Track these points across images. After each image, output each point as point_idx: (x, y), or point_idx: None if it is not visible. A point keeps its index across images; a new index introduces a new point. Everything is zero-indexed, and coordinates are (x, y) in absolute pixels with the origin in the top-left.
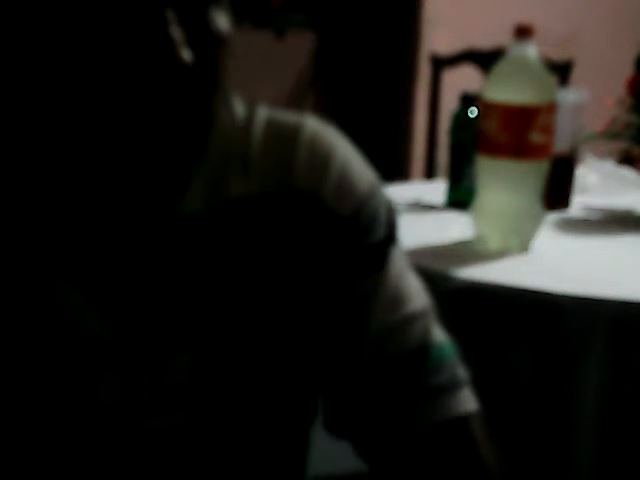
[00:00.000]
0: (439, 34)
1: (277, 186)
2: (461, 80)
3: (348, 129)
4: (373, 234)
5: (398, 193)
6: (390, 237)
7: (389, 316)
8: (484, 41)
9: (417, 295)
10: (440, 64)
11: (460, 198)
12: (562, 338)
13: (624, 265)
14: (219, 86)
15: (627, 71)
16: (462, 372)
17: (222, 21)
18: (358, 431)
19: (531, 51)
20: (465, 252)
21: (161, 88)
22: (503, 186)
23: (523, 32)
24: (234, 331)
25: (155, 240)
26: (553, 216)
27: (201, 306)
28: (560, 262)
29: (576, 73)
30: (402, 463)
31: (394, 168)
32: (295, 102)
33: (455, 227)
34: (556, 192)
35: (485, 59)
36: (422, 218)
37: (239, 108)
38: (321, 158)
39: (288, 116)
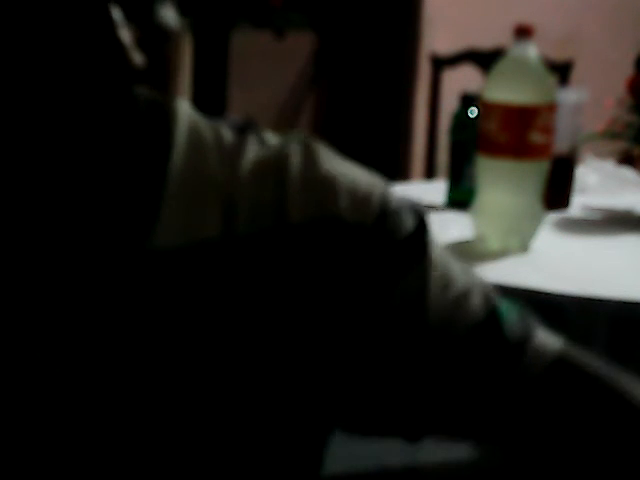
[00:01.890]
0: (439, 34)
1: (274, 224)
2: (461, 80)
3: (348, 129)
4: (403, 227)
5: (398, 193)
6: (421, 225)
7: (444, 301)
8: (484, 41)
9: (462, 270)
10: (440, 64)
11: (460, 198)
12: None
13: (624, 265)
14: (171, 89)
15: (627, 71)
16: (531, 319)
17: (170, 17)
18: (449, 420)
19: (531, 51)
20: (465, 252)
21: (113, 100)
22: (503, 186)
23: (523, 32)
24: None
25: (120, 273)
26: (553, 216)
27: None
28: (560, 262)
29: (576, 73)
30: (525, 424)
31: (394, 168)
32: (295, 102)
33: (455, 227)
34: (556, 192)
35: (485, 59)
36: None
37: (227, 134)
38: (321, 184)
39: (275, 146)
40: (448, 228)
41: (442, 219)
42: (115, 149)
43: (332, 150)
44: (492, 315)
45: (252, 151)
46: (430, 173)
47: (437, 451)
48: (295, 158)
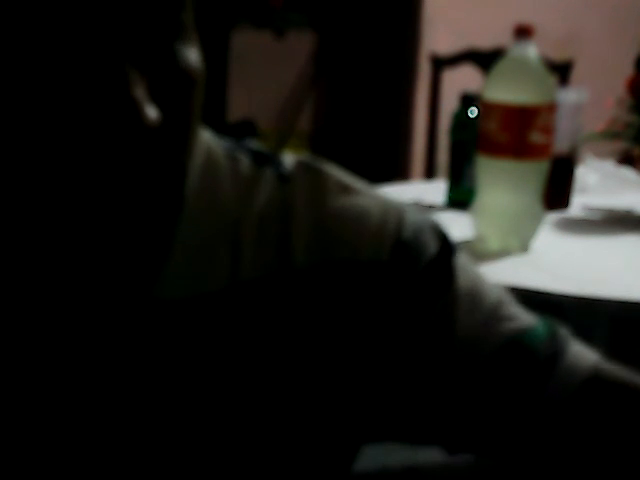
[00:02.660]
0: (439, 34)
1: (278, 268)
2: (461, 80)
3: (348, 129)
4: (424, 255)
5: (398, 193)
6: (444, 247)
7: (472, 322)
8: (484, 41)
9: (490, 289)
10: (440, 64)
11: (460, 198)
12: None
13: (624, 265)
14: (191, 144)
15: (627, 71)
16: (563, 333)
17: (192, 56)
18: (478, 437)
19: (531, 51)
20: (465, 252)
21: (125, 157)
22: (503, 186)
23: (523, 32)
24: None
25: (127, 323)
26: (553, 216)
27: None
28: (560, 262)
29: (576, 73)
30: (553, 444)
31: (394, 168)
32: (295, 102)
33: (455, 227)
34: (556, 192)
35: (485, 59)
36: None
37: (245, 164)
38: (329, 226)
39: (285, 183)
40: (448, 228)
41: (442, 219)
42: (126, 201)
43: (340, 170)
44: (521, 334)
45: (267, 190)
46: (430, 173)
47: (437, 451)
48: (301, 197)
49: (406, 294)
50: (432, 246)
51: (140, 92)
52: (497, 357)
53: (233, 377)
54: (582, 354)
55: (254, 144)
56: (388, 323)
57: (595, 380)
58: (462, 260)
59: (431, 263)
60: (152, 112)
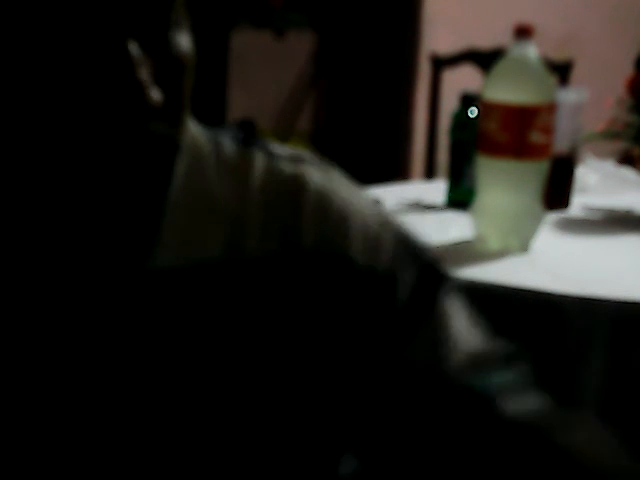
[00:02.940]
0: (439, 34)
1: (283, 248)
2: (461, 80)
3: (348, 129)
4: (409, 278)
5: (398, 193)
6: (432, 272)
7: (429, 357)
8: (484, 41)
9: (467, 329)
10: (440, 64)
11: (460, 198)
12: (562, 338)
13: (624, 265)
14: (184, 121)
15: (627, 71)
16: (524, 379)
17: (183, 42)
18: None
19: (531, 51)
20: (465, 252)
21: (133, 136)
22: (503, 186)
23: (523, 32)
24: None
25: (120, 292)
26: (553, 216)
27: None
28: (560, 262)
29: (576, 73)
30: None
31: (394, 168)
32: (295, 102)
33: (455, 227)
34: (556, 192)
35: (485, 59)
36: (422, 218)
37: (229, 147)
38: (336, 218)
39: (287, 162)
40: (448, 228)
41: (442, 219)
42: (122, 175)
43: (344, 175)
44: (483, 387)
45: (260, 166)
46: (430, 173)
47: None
48: (313, 184)
49: (390, 317)
50: (421, 269)
51: (145, 74)
52: (452, 395)
53: (225, 347)
54: (531, 404)
55: (233, 131)
56: (369, 330)
57: (532, 430)
58: (448, 291)
59: (417, 290)
60: (156, 94)
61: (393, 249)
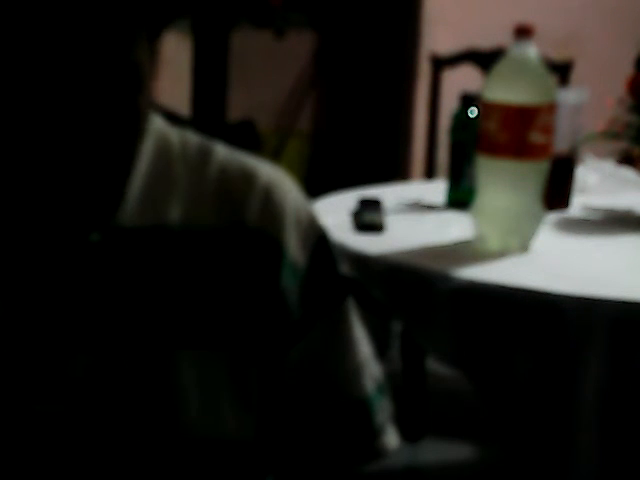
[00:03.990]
0: (439, 34)
1: (228, 223)
2: (461, 80)
3: (348, 129)
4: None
5: (398, 193)
6: (337, 281)
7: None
8: (484, 41)
9: (360, 348)
10: (440, 64)
11: (460, 198)
12: (562, 338)
13: (624, 265)
14: (145, 85)
15: (627, 71)
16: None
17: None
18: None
19: (531, 51)
20: (465, 252)
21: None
22: (503, 186)
23: (523, 32)
24: (140, 345)
25: (82, 249)
26: (553, 216)
27: (112, 313)
28: (560, 262)
29: (576, 73)
30: None
31: (394, 168)
32: (295, 102)
33: (455, 227)
34: (556, 192)
35: (485, 59)
36: (422, 218)
37: (193, 139)
38: (277, 206)
39: (244, 161)
40: (448, 228)
41: (442, 219)
42: (98, 147)
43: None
44: (366, 400)
45: (220, 157)
46: (430, 173)
47: (437, 451)
48: (264, 176)
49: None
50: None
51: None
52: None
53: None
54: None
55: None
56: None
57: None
58: (351, 310)
59: (326, 294)
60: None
61: (314, 249)
